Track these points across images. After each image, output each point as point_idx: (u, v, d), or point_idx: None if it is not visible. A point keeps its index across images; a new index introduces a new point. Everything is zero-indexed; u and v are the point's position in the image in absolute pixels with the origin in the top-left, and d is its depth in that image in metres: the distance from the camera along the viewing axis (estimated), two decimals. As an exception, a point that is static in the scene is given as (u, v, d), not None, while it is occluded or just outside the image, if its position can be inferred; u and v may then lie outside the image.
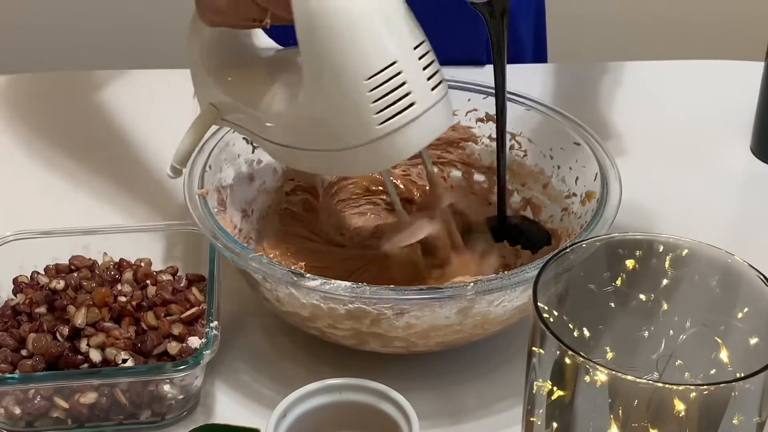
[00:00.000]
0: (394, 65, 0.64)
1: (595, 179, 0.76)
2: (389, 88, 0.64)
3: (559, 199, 0.80)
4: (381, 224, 0.84)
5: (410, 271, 0.75)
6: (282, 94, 0.69)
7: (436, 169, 0.83)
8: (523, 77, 0.87)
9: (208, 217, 0.71)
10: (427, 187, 0.82)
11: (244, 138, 0.79)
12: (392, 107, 0.65)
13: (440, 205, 0.76)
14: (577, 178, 0.79)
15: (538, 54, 1.21)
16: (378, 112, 0.64)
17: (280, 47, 0.75)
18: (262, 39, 0.75)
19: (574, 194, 0.79)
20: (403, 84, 0.65)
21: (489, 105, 0.81)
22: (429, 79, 0.66)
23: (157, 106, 1.01)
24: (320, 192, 0.85)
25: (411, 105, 0.65)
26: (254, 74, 0.72)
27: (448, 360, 0.74)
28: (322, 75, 0.65)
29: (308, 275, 0.65)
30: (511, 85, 0.76)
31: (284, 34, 0.69)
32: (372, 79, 0.64)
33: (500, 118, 0.75)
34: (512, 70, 0.90)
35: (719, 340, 0.57)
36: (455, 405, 0.71)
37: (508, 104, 0.76)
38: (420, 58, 0.66)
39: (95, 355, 0.67)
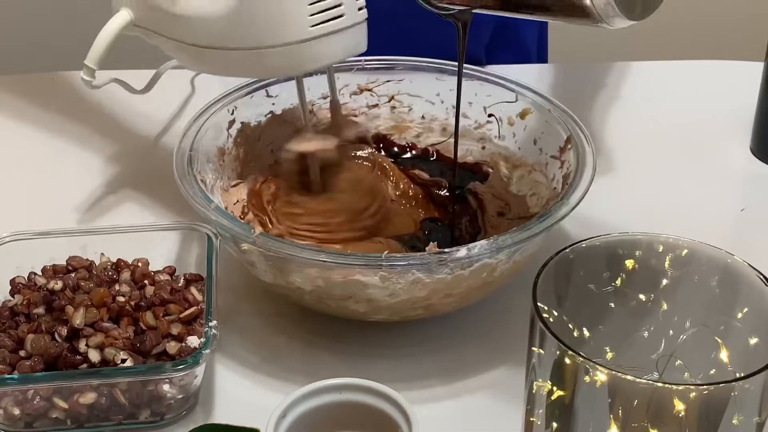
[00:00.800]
0: None
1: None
2: None
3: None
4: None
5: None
6: None
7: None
8: (523, 77, 0.87)
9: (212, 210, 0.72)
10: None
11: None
12: (324, 13, 0.72)
13: (340, 134, 0.82)
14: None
15: (539, 54, 1.21)
16: (312, 15, 0.72)
17: None
18: None
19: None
20: None
21: (359, 78, 0.89)
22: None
23: (155, 106, 1.01)
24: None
25: (340, 16, 0.73)
26: None
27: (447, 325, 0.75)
28: None
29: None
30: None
31: None
32: None
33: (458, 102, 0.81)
34: (513, 70, 0.90)
35: (719, 340, 0.57)
36: (452, 365, 0.72)
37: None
38: None
39: (94, 356, 0.67)
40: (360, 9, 0.75)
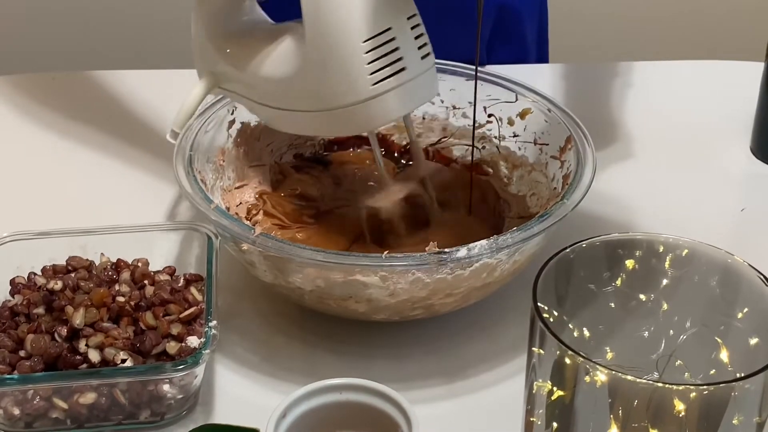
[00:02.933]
0: (389, 31, 0.71)
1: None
2: (383, 52, 0.71)
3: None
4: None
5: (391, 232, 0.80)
6: (282, 60, 0.75)
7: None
8: (524, 77, 0.87)
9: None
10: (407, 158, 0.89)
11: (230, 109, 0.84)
12: (385, 69, 0.71)
13: (419, 174, 0.82)
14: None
15: (540, 54, 1.21)
16: (372, 73, 0.71)
17: (274, 22, 0.80)
18: (260, 13, 0.81)
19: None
20: (396, 49, 0.71)
21: None
22: (419, 48, 0.73)
23: (155, 106, 1.01)
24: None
25: (402, 69, 0.72)
26: (255, 44, 0.77)
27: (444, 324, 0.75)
28: (323, 38, 0.71)
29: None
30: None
31: (278, 10, 0.78)
32: (368, 42, 0.70)
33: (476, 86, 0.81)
34: (513, 70, 0.90)
35: (719, 340, 0.57)
36: (452, 365, 0.72)
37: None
38: (412, 28, 0.73)
39: (94, 356, 0.67)
40: (424, 57, 0.73)
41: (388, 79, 0.71)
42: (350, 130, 0.80)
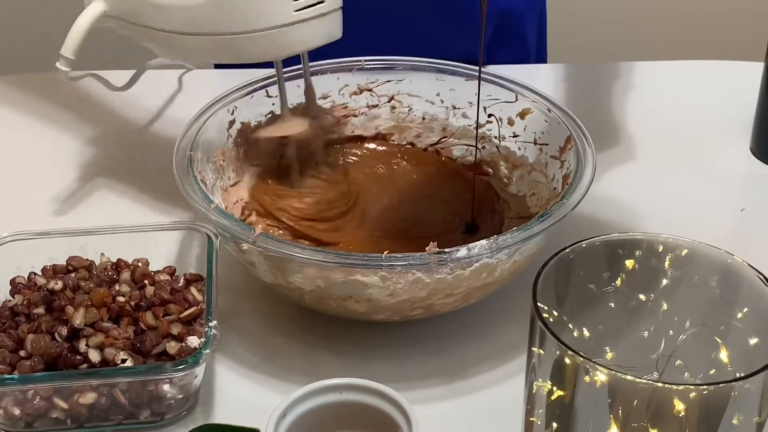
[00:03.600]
0: None
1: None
2: None
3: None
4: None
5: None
6: None
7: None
8: (524, 77, 0.87)
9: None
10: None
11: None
12: None
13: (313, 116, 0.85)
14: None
15: (539, 54, 1.21)
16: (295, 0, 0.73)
17: None
18: None
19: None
20: None
21: (358, 78, 0.90)
22: None
23: (155, 106, 1.01)
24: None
25: (321, 2, 0.75)
26: None
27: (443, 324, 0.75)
28: None
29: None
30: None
31: None
32: None
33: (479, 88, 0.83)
34: (513, 70, 0.90)
35: (719, 340, 0.57)
36: (452, 365, 0.72)
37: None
38: None
39: (94, 356, 0.67)
40: None
41: (309, 9, 0.74)
42: (261, 56, 0.79)
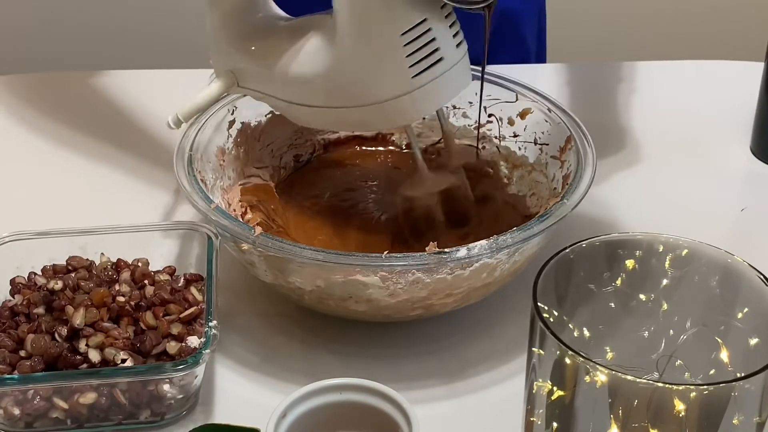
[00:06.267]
0: (425, 22, 0.70)
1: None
2: (421, 44, 0.70)
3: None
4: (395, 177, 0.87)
5: (429, 224, 0.79)
6: (312, 56, 0.73)
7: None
8: (524, 77, 0.87)
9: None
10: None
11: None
12: (423, 62, 0.71)
13: (455, 164, 0.82)
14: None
15: (538, 55, 1.21)
16: (411, 66, 0.70)
17: (292, 17, 0.79)
18: (274, 8, 0.80)
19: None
20: (432, 40, 0.71)
21: None
22: (454, 36, 0.73)
23: (155, 106, 1.01)
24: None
25: (440, 60, 0.71)
26: (280, 41, 0.76)
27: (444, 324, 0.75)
28: (357, 33, 0.70)
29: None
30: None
31: (293, 4, 0.79)
32: (405, 35, 0.69)
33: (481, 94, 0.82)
34: (513, 70, 0.90)
35: (719, 340, 0.57)
36: (452, 365, 0.72)
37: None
38: (446, 17, 0.72)
39: (94, 356, 0.67)
40: (458, 45, 0.73)
41: (427, 71, 0.71)
42: (388, 124, 0.80)
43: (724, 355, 0.57)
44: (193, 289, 0.73)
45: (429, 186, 0.79)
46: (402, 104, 0.72)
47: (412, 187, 0.80)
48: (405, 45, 0.70)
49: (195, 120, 0.81)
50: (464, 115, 0.89)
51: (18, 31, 1.88)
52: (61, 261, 0.75)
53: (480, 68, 0.88)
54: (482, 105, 0.87)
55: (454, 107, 0.89)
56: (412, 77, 0.71)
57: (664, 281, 0.58)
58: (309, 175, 0.88)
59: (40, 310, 0.70)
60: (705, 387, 0.48)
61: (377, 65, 0.71)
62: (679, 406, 0.49)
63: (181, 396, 0.67)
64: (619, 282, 0.59)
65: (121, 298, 0.70)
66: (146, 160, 0.94)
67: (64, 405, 0.65)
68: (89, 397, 0.65)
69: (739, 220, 0.90)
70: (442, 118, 0.81)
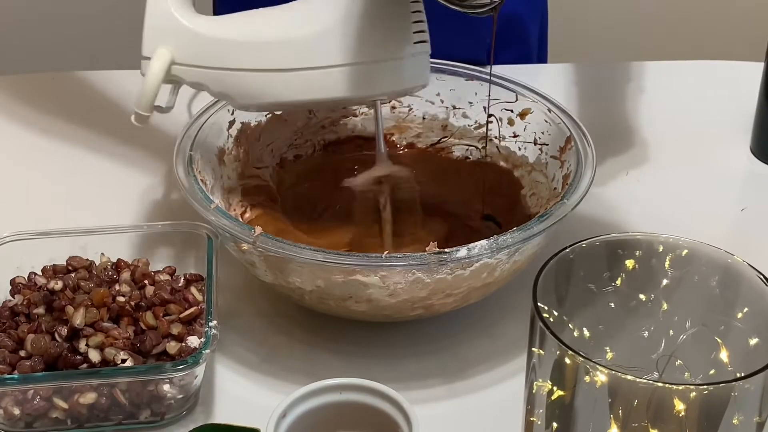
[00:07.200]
0: (418, 3, 0.73)
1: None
2: (420, 17, 0.73)
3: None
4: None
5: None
6: (314, 14, 0.73)
7: None
8: (525, 77, 0.87)
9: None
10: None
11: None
12: (421, 33, 0.73)
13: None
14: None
15: (540, 55, 1.21)
16: (415, 33, 0.72)
17: None
18: None
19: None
20: (422, 21, 0.73)
21: None
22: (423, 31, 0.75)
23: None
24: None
25: (425, 41, 0.74)
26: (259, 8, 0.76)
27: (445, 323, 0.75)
28: None
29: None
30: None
31: None
32: (414, 3, 0.72)
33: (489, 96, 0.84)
34: (513, 70, 0.90)
35: (719, 340, 0.57)
36: (452, 365, 0.73)
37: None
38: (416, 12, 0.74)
39: (94, 355, 0.67)
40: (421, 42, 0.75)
41: (422, 44, 0.73)
42: (377, 90, 0.77)
43: (723, 355, 0.57)
44: (193, 289, 0.73)
45: (382, 170, 0.81)
46: (395, 68, 0.73)
47: (370, 170, 0.82)
48: (413, 12, 0.72)
49: (195, 119, 0.81)
50: (464, 115, 0.89)
51: (18, 31, 1.88)
52: (61, 261, 0.75)
53: (481, 69, 0.88)
54: (482, 105, 0.87)
55: (455, 107, 0.89)
56: (414, 42, 0.72)
57: (664, 281, 0.58)
58: (309, 175, 0.88)
59: (40, 310, 0.70)
60: (705, 387, 0.48)
61: (385, 23, 0.72)
62: (679, 406, 0.49)
63: (181, 396, 0.67)
64: (619, 282, 0.59)
65: (121, 298, 0.70)
66: (146, 160, 0.94)
67: (64, 405, 0.65)
68: (89, 397, 0.65)
69: (739, 220, 0.90)
70: (380, 119, 0.81)
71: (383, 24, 0.72)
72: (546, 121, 0.83)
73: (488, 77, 0.87)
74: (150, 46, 0.76)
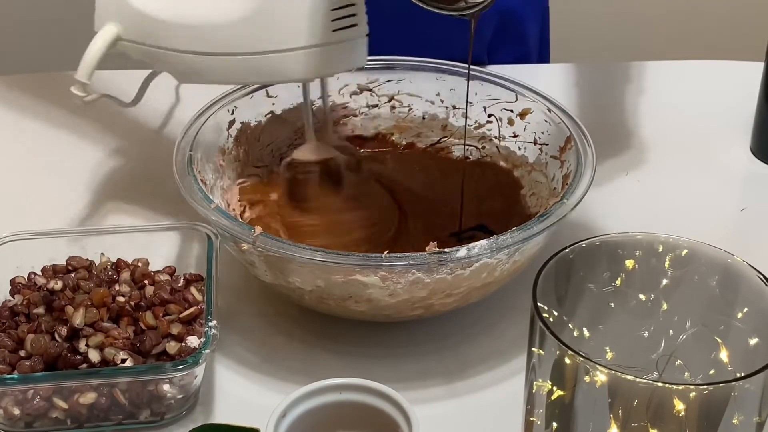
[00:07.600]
0: None
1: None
2: (344, 3, 0.73)
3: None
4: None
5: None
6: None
7: None
8: (525, 77, 0.87)
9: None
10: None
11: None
12: (344, 20, 0.73)
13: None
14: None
15: (541, 54, 1.21)
16: (333, 20, 0.72)
17: None
18: None
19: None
20: (353, 5, 0.74)
21: (358, 78, 0.90)
22: (366, 13, 0.76)
23: (155, 106, 1.01)
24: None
25: (354, 26, 0.74)
26: None
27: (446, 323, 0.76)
28: None
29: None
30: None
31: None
32: None
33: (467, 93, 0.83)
34: (513, 70, 0.90)
35: (719, 340, 0.57)
36: (452, 365, 0.73)
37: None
38: None
39: (94, 355, 0.67)
40: (367, 23, 0.75)
41: (345, 30, 0.73)
42: (293, 76, 0.77)
43: (723, 355, 0.57)
44: (193, 289, 0.73)
45: (316, 153, 0.82)
46: (311, 56, 0.73)
47: (300, 152, 0.82)
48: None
49: (195, 119, 0.81)
50: (464, 115, 0.89)
51: (18, 31, 1.88)
52: (61, 261, 0.75)
53: (481, 69, 0.88)
54: (482, 105, 0.87)
55: (455, 107, 0.89)
56: (332, 31, 0.73)
57: (664, 281, 0.58)
58: (308, 175, 0.88)
59: (40, 310, 0.70)
60: (705, 387, 0.48)
61: (302, 8, 0.72)
62: (679, 405, 0.49)
63: (181, 396, 0.67)
64: (618, 282, 0.59)
65: (121, 298, 0.70)
66: (146, 160, 0.94)
67: (64, 405, 0.65)
68: (89, 397, 0.65)
69: (739, 220, 0.90)
70: (324, 92, 0.82)
71: (298, 13, 0.73)
72: (546, 121, 0.83)
73: (488, 77, 0.87)
74: (100, 21, 0.78)
